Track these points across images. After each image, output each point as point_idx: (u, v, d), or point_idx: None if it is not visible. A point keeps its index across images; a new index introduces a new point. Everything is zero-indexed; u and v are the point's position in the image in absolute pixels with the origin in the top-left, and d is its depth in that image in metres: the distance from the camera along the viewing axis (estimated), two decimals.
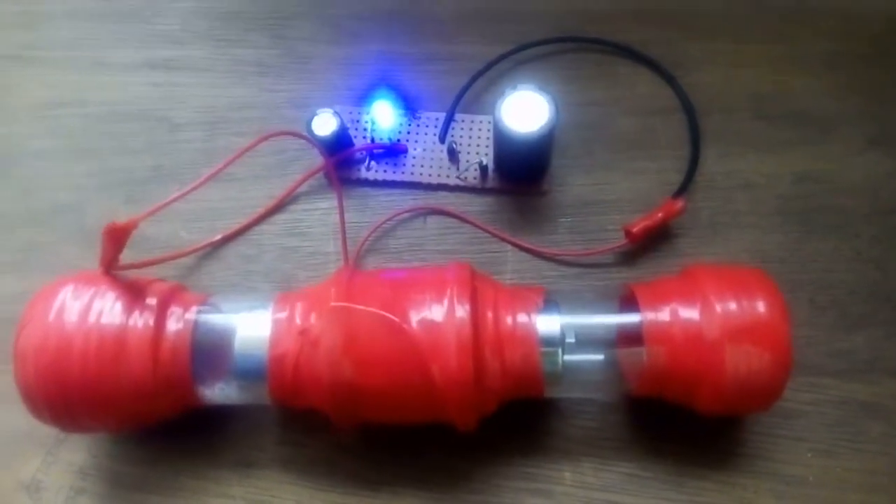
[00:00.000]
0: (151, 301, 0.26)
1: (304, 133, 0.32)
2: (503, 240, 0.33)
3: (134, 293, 0.26)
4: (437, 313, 0.25)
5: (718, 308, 0.25)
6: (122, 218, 0.33)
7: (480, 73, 0.36)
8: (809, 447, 0.28)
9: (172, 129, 0.36)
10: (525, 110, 0.30)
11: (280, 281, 0.32)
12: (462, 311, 0.24)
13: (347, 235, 0.32)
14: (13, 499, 0.29)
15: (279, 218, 0.34)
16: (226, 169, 0.35)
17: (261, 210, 0.34)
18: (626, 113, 0.36)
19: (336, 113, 0.33)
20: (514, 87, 0.30)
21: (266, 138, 0.30)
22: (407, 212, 0.33)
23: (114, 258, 0.25)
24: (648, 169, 0.34)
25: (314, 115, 0.33)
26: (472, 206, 0.34)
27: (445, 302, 0.25)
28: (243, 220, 0.34)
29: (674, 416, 0.28)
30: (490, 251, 0.33)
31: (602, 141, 0.35)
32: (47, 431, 0.29)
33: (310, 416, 0.28)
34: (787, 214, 0.33)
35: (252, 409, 0.29)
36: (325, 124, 0.32)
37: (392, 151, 0.34)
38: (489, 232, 0.33)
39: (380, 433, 0.28)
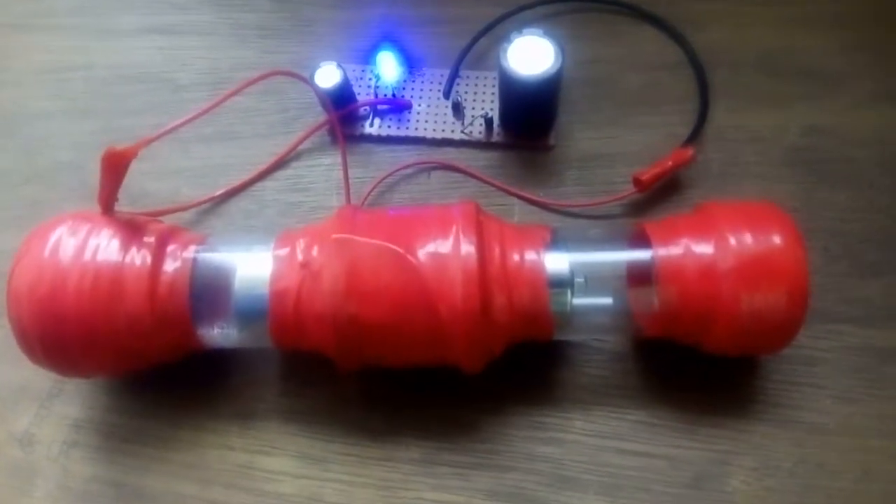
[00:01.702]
0: (149, 239, 0.25)
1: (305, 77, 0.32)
2: (509, 193, 0.32)
3: (131, 231, 0.25)
4: (442, 247, 0.24)
5: (733, 241, 0.24)
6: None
7: (483, 33, 0.36)
8: (829, 394, 0.27)
9: (176, 90, 0.36)
10: (531, 56, 0.29)
11: None
12: (468, 246, 0.24)
13: (351, 191, 0.32)
14: (5, 452, 0.28)
15: (281, 174, 0.33)
16: (229, 126, 0.35)
17: (263, 167, 0.33)
18: (633, 69, 0.35)
19: (339, 66, 0.32)
20: (520, 32, 0.30)
21: (272, 75, 0.29)
22: (411, 166, 0.33)
23: (112, 193, 0.25)
24: (656, 123, 0.34)
25: (317, 67, 0.32)
26: (478, 160, 0.33)
27: (451, 236, 0.24)
28: (245, 177, 0.33)
29: (687, 363, 0.27)
30: (496, 204, 0.32)
31: (608, 97, 0.34)
32: (40, 385, 0.29)
33: (311, 364, 0.27)
34: (797, 165, 0.32)
35: (252, 358, 0.28)
36: (328, 76, 0.32)
37: (396, 107, 0.34)
38: (495, 185, 0.32)
39: (383, 381, 0.28)
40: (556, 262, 0.25)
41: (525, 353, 0.26)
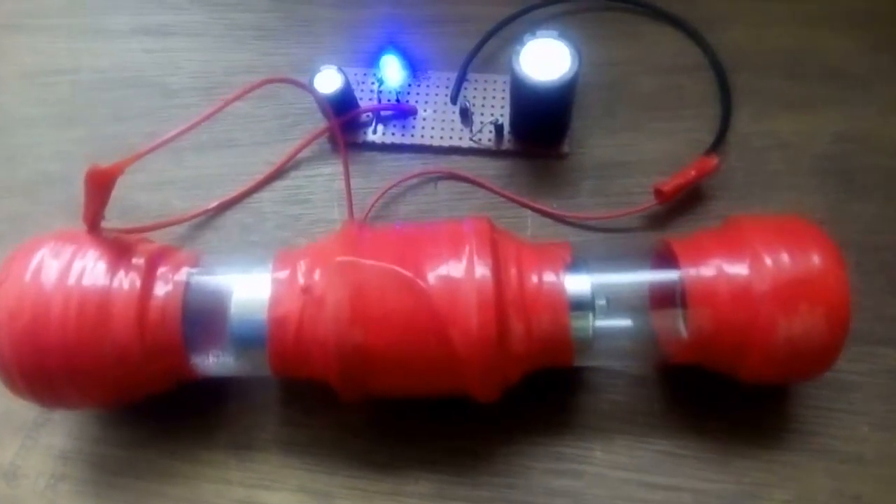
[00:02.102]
0: (138, 261, 0.23)
1: (305, 83, 0.30)
2: (522, 204, 0.30)
3: (119, 252, 0.23)
4: (454, 269, 0.22)
5: (769, 261, 0.22)
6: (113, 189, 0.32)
7: (492, 33, 0.34)
8: (865, 420, 0.25)
9: (168, 96, 0.34)
10: (545, 60, 0.28)
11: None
12: (483, 267, 0.22)
13: (353, 203, 0.30)
14: None
15: (280, 184, 0.32)
16: (223, 134, 0.33)
17: (260, 177, 0.32)
18: (650, 72, 0.33)
19: (340, 70, 0.30)
20: (534, 34, 0.28)
21: (268, 82, 0.27)
22: (416, 176, 0.31)
23: (98, 212, 0.23)
24: (675, 129, 0.32)
25: (316, 71, 0.30)
26: (487, 169, 0.31)
27: (464, 257, 0.22)
28: (241, 188, 0.31)
29: (714, 389, 0.25)
30: (508, 216, 0.30)
31: (625, 101, 0.33)
32: (25, 413, 0.27)
33: (313, 391, 0.25)
34: (826, 175, 0.30)
35: (251, 384, 0.27)
36: (329, 81, 0.30)
37: (400, 113, 0.32)
38: (506, 196, 0.31)
39: (390, 409, 0.26)
40: (577, 283, 0.23)
41: (541, 377, 0.25)
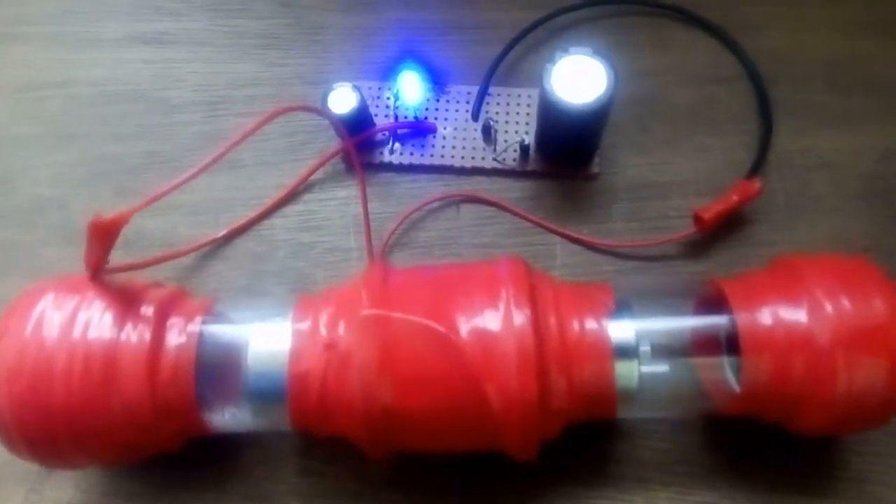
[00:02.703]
0: (147, 310, 0.22)
1: (319, 108, 0.28)
2: (549, 230, 0.29)
3: (126, 301, 0.22)
4: (491, 320, 0.20)
5: (829, 308, 0.20)
6: (110, 212, 0.30)
7: (516, 41, 0.32)
8: None
9: (168, 111, 0.32)
10: (577, 78, 0.25)
11: (295, 282, 0.28)
12: (521, 317, 0.20)
13: (371, 228, 0.28)
14: None
15: (292, 209, 0.30)
16: (230, 155, 0.31)
17: (270, 201, 0.30)
18: (684, 83, 0.31)
19: (355, 87, 0.28)
20: (566, 51, 0.26)
21: (277, 114, 0.25)
22: (437, 200, 0.29)
23: (101, 260, 0.21)
24: (712, 146, 0.30)
25: (329, 89, 0.28)
26: (512, 192, 0.30)
27: (500, 305, 0.21)
28: (251, 213, 0.29)
29: (759, 435, 0.24)
30: (535, 244, 0.29)
31: (657, 115, 0.31)
32: (29, 465, 0.25)
33: (335, 441, 0.24)
34: (872, 197, 0.29)
35: (268, 433, 0.25)
36: (343, 100, 0.28)
37: (419, 131, 0.30)
38: (533, 221, 0.29)
39: (416, 460, 0.24)
40: (620, 330, 0.22)
41: (579, 424, 0.23)
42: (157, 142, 0.31)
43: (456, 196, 0.29)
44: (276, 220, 0.29)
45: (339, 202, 0.30)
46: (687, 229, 0.27)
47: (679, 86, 0.31)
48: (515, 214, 0.29)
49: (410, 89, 0.30)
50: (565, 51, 0.26)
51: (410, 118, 0.30)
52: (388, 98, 0.31)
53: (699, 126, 0.30)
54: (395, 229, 0.29)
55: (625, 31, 0.33)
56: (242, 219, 0.29)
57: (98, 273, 0.22)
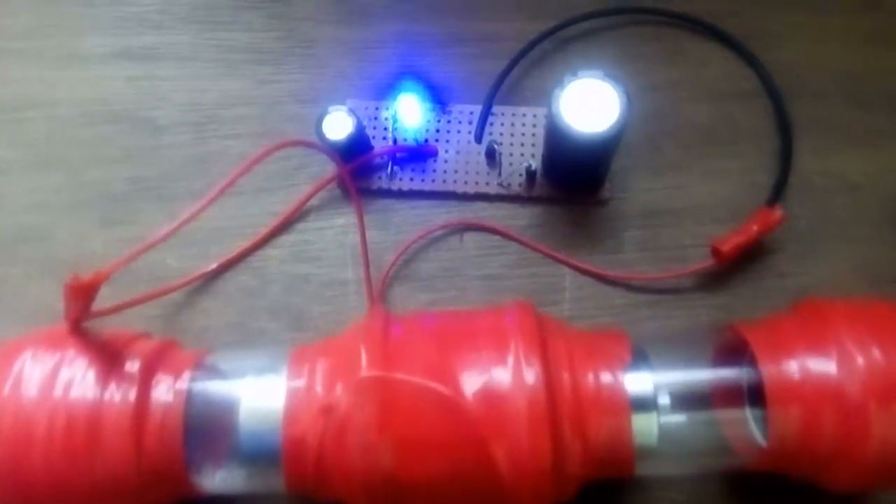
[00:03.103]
0: (132, 366, 0.20)
1: (316, 140, 0.26)
2: (558, 260, 0.27)
3: (110, 357, 0.20)
4: (499, 378, 0.19)
5: (860, 360, 0.19)
6: (96, 246, 0.28)
7: (520, 56, 0.30)
8: None
9: (154, 133, 0.30)
10: (588, 103, 0.24)
11: (290, 318, 0.27)
12: (532, 375, 0.19)
13: (370, 259, 0.27)
14: None
15: (286, 240, 0.28)
16: (221, 181, 0.29)
17: (263, 230, 0.28)
18: (698, 98, 0.30)
19: (351, 111, 0.27)
20: (575, 75, 0.24)
21: (269, 153, 0.24)
22: (440, 228, 0.28)
23: (81, 315, 0.20)
24: (729, 168, 0.28)
25: (324, 113, 0.27)
26: (518, 219, 0.28)
27: (510, 361, 0.19)
28: (243, 244, 0.28)
29: (783, 487, 0.23)
30: (542, 275, 0.27)
31: (671, 134, 0.29)
32: None
33: None
34: None
35: (262, 496, 0.24)
36: (338, 126, 0.26)
37: (419, 155, 0.28)
38: (540, 251, 0.27)
39: None
40: (638, 382, 0.20)
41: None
42: (143, 166, 0.30)
43: (459, 224, 0.28)
44: (269, 251, 0.28)
45: (337, 231, 0.28)
46: (704, 261, 0.26)
47: (693, 102, 0.30)
48: (522, 244, 0.27)
49: (409, 112, 0.28)
50: (574, 74, 0.24)
51: (410, 141, 0.29)
52: (387, 120, 0.29)
53: (715, 146, 0.29)
54: (395, 261, 0.27)
55: (635, 42, 0.31)
56: (234, 250, 0.28)
57: (79, 326, 0.20)
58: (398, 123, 0.29)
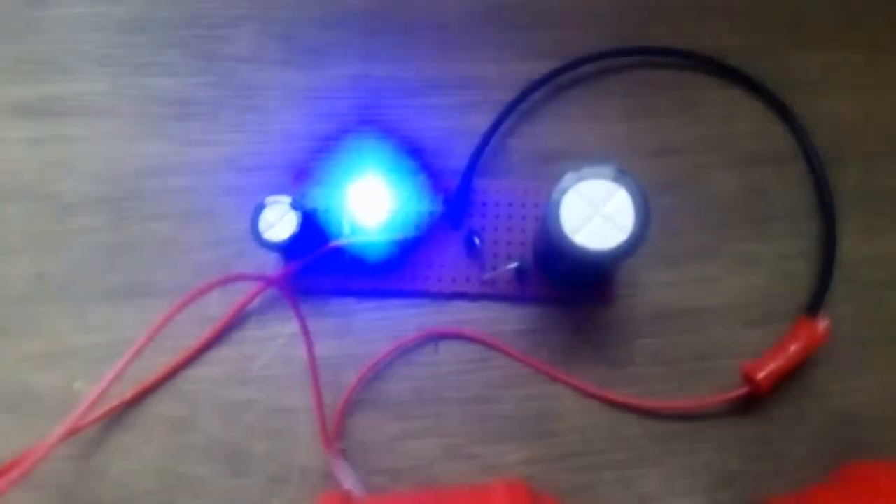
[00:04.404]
0: None
1: (257, 273, 0.21)
2: (555, 378, 0.22)
3: None
4: None
5: None
6: None
7: (507, 113, 0.24)
8: None
9: (62, 213, 0.25)
10: (594, 210, 0.19)
11: (227, 458, 0.22)
12: None
13: (325, 380, 0.22)
14: None
15: (220, 355, 0.23)
16: (139, 277, 0.24)
17: (193, 343, 0.23)
18: (722, 164, 0.25)
19: (296, 205, 0.21)
20: (578, 174, 0.19)
21: (202, 293, 0.18)
22: (410, 341, 0.23)
23: None
24: (761, 255, 0.23)
25: (260, 208, 0.21)
26: (506, 322, 0.23)
27: None
28: (167, 361, 0.23)
29: None
30: (536, 397, 0.22)
31: (689, 211, 0.24)
32: None
33: None
34: None
35: None
36: (279, 224, 0.21)
37: (383, 246, 0.23)
38: (533, 366, 0.22)
39: None
40: None
41: None
42: (48, 258, 0.24)
43: (432, 334, 0.23)
44: (200, 371, 0.23)
45: (283, 341, 0.23)
46: (734, 390, 0.21)
47: (715, 168, 0.24)
48: (510, 356, 0.22)
49: (370, 192, 0.23)
50: (577, 172, 0.19)
51: (372, 229, 0.23)
52: (343, 208, 0.23)
53: (743, 226, 0.24)
54: (355, 387, 0.22)
55: (646, 92, 0.25)
56: (157, 370, 0.23)
57: None
58: (357, 207, 0.23)
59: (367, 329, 0.23)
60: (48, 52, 0.27)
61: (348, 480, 0.21)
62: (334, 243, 0.22)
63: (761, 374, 0.20)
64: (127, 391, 0.22)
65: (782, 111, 0.25)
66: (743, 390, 0.21)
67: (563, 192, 0.18)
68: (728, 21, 0.26)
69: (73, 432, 0.21)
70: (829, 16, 0.26)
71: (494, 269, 0.23)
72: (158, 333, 0.18)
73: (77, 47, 0.27)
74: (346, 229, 0.23)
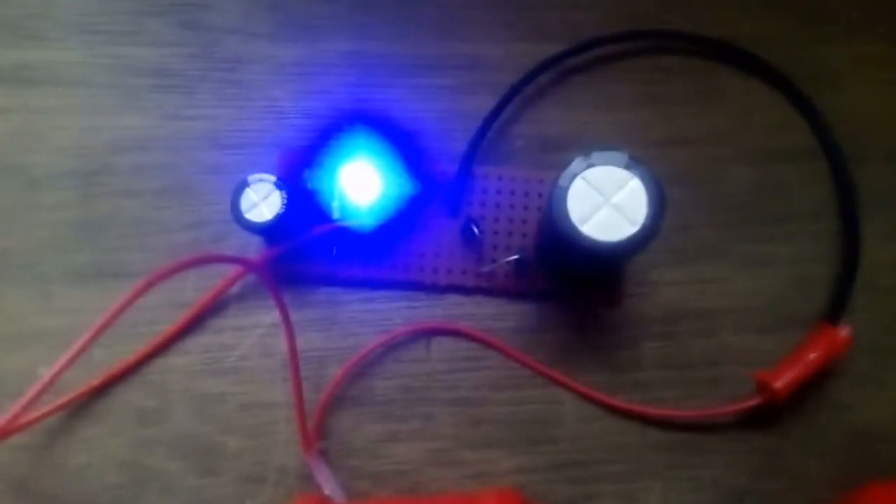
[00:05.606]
0: None
1: (233, 255, 0.19)
2: (555, 381, 0.21)
3: None
4: None
5: None
6: None
7: (510, 97, 0.23)
8: None
9: (29, 187, 0.23)
10: (604, 198, 0.17)
11: (198, 455, 0.20)
12: None
13: (306, 375, 0.20)
14: None
15: (195, 343, 0.21)
16: (109, 256, 0.22)
17: (166, 329, 0.21)
18: (738, 158, 0.23)
19: (280, 183, 0.20)
20: (588, 160, 0.17)
21: (166, 274, 0.16)
22: (399, 335, 0.21)
23: None
24: (777, 255, 0.22)
25: (243, 185, 0.20)
26: (504, 319, 0.21)
27: None
28: (138, 348, 0.21)
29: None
30: (534, 400, 0.21)
31: (702, 206, 0.22)
32: None
33: None
34: None
35: None
36: (263, 204, 0.19)
37: (373, 234, 0.22)
38: (531, 367, 0.21)
39: None
40: None
41: None
42: (12, 233, 0.22)
43: (425, 328, 0.21)
44: (172, 360, 0.21)
45: (263, 332, 0.21)
46: (747, 399, 0.20)
47: (731, 162, 0.23)
48: (507, 355, 0.21)
49: (357, 184, 0.21)
50: (586, 158, 0.17)
51: (362, 216, 0.22)
52: (334, 188, 0.22)
53: (759, 225, 0.22)
54: (340, 380, 0.20)
55: (657, 78, 0.24)
56: (126, 357, 0.21)
57: None
58: (346, 190, 0.22)
59: (354, 321, 0.21)
60: (18, 17, 0.25)
61: (328, 484, 0.19)
62: (321, 228, 0.21)
63: (779, 383, 0.19)
64: (94, 378, 0.21)
65: (804, 104, 0.23)
66: (757, 400, 0.19)
67: (572, 178, 0.17)
68: (747, 8, 0.25)
69: (33, 423, 0.20)
70: (853, 5, 0.25)
71: (493, 261, 0.21)
72: (121, 315, 0.16)
73: (50, 12, 0.25)
74: (334, 213, 0.21)
